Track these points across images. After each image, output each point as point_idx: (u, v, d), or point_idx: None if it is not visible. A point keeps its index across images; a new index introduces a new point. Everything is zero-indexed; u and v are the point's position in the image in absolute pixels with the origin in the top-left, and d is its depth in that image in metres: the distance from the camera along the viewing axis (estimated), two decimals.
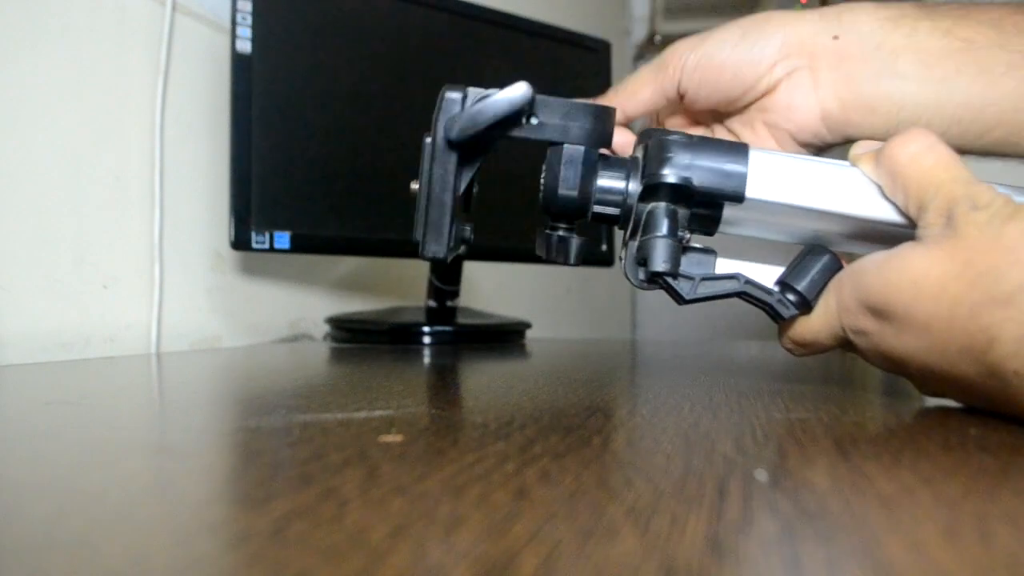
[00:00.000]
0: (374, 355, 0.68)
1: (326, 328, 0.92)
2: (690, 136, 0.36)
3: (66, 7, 0.68)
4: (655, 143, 0.36)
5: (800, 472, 0.24)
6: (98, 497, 0.21)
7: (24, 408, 0.40)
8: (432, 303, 0.91)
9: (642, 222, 0.36)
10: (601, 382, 0.47)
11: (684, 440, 0.29)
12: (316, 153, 0.80)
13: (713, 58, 0.44)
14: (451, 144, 0.37)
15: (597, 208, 0.38)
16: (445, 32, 0.89)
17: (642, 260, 0.36)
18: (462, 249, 0.41)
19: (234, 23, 0.74)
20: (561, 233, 0.39)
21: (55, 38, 0.67)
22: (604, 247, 1.03)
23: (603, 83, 1.03)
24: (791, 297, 0.36)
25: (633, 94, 0.46)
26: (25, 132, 0.65)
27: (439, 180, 0.38)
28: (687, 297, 0.37)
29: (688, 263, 0.37)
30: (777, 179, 0.36)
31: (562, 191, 0.37)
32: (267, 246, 0.76)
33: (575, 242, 0.39)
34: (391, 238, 0.85)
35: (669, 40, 2.99)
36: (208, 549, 0.17)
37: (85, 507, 0.20)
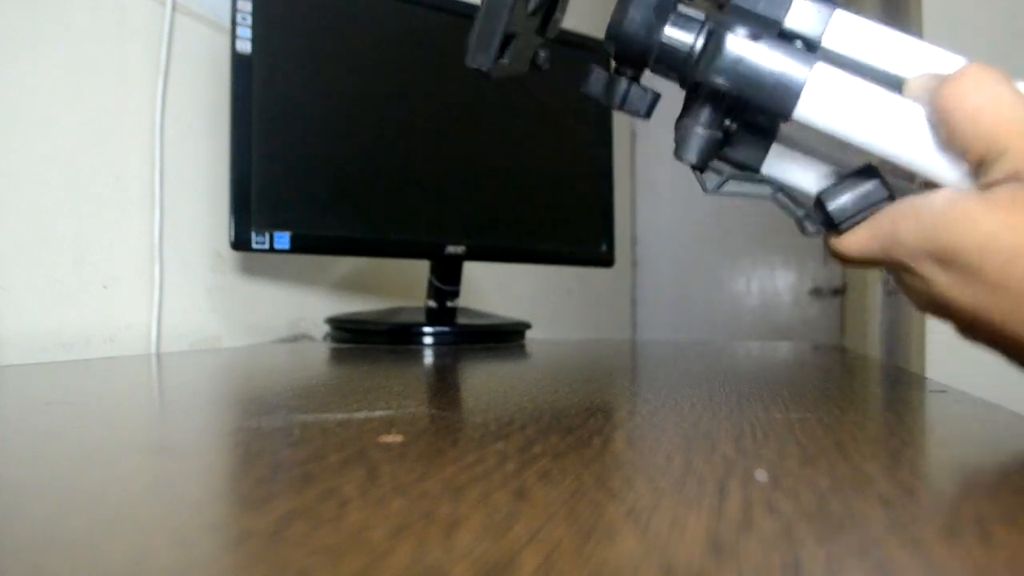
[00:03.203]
0: (374, 355, 0.68)
1: (326, 328, 0.92)
2: (757, 31, 0.32)
3: (66, 7, 0.68)
4: (714, 34, 0.32)
5: (800, 472, 0.24)
6: (98, 497, 0.21)
7: (24, 408, 0.40)
8: (432, 303, 0.91)
9: (688, 103, 0.34)
10: (601, 382, 0.47)
11: (684, 440, 0.29)
12: (316, 153, 0.80)
13: None
14: None
15: (657, 62, 0.34)
16: (445, 32, 0.89)
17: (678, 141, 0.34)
18: (526, 69, 0.38)
19: (234, 23, 0.74)
20: (626, 77, 0.36)
21: (55, 38, 0.67)
22: (604, 247, 1.03)
23: None
24: (820, 216, 0.34)
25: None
26: (25, 132, 0.65)
27: None
28: (710, 190, 0.35)
29: (736, 151, 0.35)
30: (834, 104, 0.32)
31: (626, 27, 0.33)
32: (267, 246, 0.76)
33: (635, 92, 0.35)
34: (391, 238, 0.85)
35: None
36: (208, 549, 0.17)
37: (85, 507, 0.20)
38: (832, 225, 0.34)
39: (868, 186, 0.33)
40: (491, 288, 1.37)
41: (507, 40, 0.36)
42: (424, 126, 0.88)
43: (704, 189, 0.36)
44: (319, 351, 0.76)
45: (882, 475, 0.24)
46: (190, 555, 0.16)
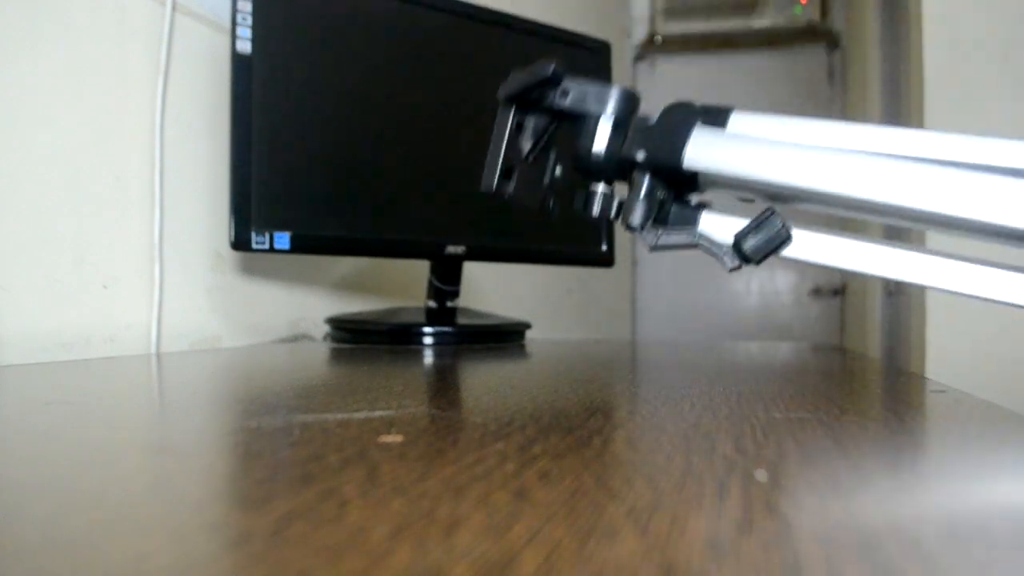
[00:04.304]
0: (374, 355, 0.68)
1: (326, 328, 0.92)
2: (653, 118, 0.42)
3: (66, 7, 0.68)
4: (634, 123, 0.43)
5: (800, 472, 0.24)
6: (98, 497, 0.21)
7: (24, 408, 0.40)
8: (432, 303, 0.91)
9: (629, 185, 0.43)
10: (601, 382, 0.47)
11: (684, 440, 0.29)
12: (316, 153, 0.80)
13: None
14: (501, 100, 0.45)
15: (616, 172, 0.43)
16: (445, 32, 0.89)
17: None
18: (536, 206, 0.48)
19: (234, 23, 0.74)
20: (601, 190, 0.44)
21: (55, 38, 0.67)
22: (604, 247, 1.03)
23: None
24: (738, 254, 0.41)
25: None
26: (25, 132, 0.65)
27: (496, 129, 0.45)
28: (651, 246, 0.43)
29: (674, 217, 0.43)
30: (717, 155, 0.40)
31: (587, 152, 0.43)
32: (267, 246, 0.76)
33: (602, 196, 0.45)
34: (391, 238, 0.85)
35: (669, 41, 2.98)
36: (208, 549, 0.17)
37: (85, 507, 0.20)
38: (748, 260, 0.40)
39: (775, 227, 0.40)
40: (491, 288, 1.37)
41: (510, 170, 0.46)
42: (424, 126, 0.88)
43: (648, 245, 0.43)
44: (319, 351, 0.76)
45: (882, 475, 0.24)
46: (190, 555, 0.16)
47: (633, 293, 2.89)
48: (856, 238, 0.39)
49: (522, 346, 0.88)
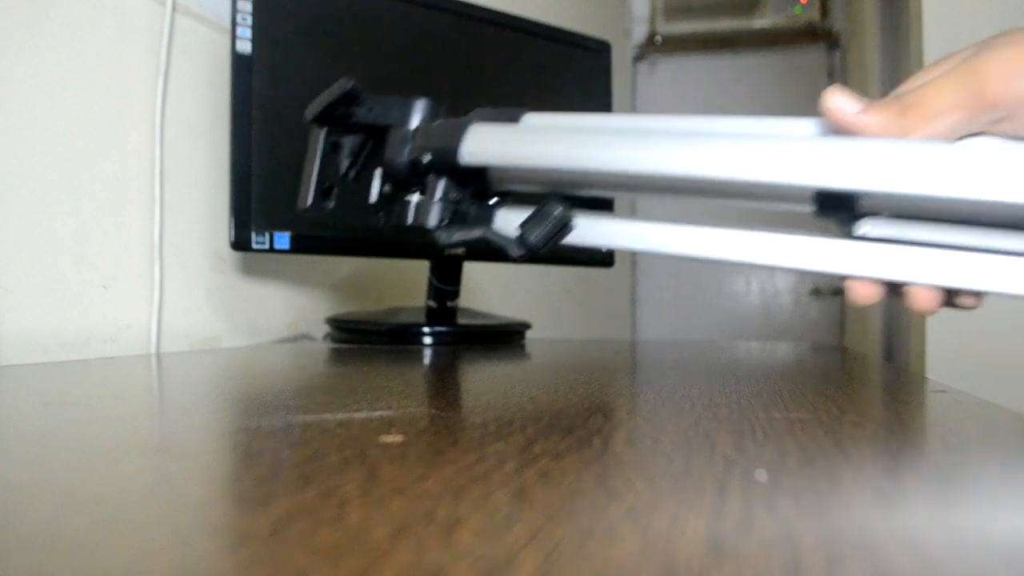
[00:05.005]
0: (374, 355, 0.68)
1: (326, 328, 0.92)
2: (433, 123, 0.44)
3: (66, 7, 0.68)
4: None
5: (800, 472, 0.24)
6: (98, 497, 0.21)
7: (24, 408, 0.40)
8: (432, 303, 0.91)
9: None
10: (601, 382, 0.47)
11: (684, 440, 0.29)
12: None
13: None
14: (307, 121, 0.48)
15: (418, 179, 0.45)
16: (445, 32, 0.89)
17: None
18: (361, 214, 0.49)
19: (234, 23, 0.74)
20: (415, 200, 0.45)
21: (55, 38, 0.67)
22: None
23: (603, 83, 1.03)
24: (521, 244, 0.42)
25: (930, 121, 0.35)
26: (25, 132, 0.65)
27: (309, 149, 0.48)
28: (443, 243, 0.44)
29: (473, 216, 0.44)
30: (489, 146, 0.42)
31: (392, 163, 0.45)
32: (267, 246, 0.76)
33: (415, 205, 0.45)
34: (391, 238, 0.85)
35: (669, 40, 2.96)
36: (208, 549, 0.17)
37: (85, 507, 0.20)
38: (531, 248, 0.41)
39: (551, 214, 0.41)
40: (491, 288, 1.37)
41: (329, 188, 0.49)
42: None
43: (441, 244, 0.44)
44: (319, 351, 0.76)
45: (882, 475, 0.24)
46: (190, 555, 0.16)
47: (633, 293, 2.89)
48: (642, 219, 0.41)
49: (522, 346, 0.88)
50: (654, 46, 2.89)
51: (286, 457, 0.26)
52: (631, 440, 0.30)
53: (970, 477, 0.25)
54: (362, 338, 0.86)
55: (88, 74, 0.70)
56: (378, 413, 0.34)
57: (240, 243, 0.75)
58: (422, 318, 0.88)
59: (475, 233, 0.44)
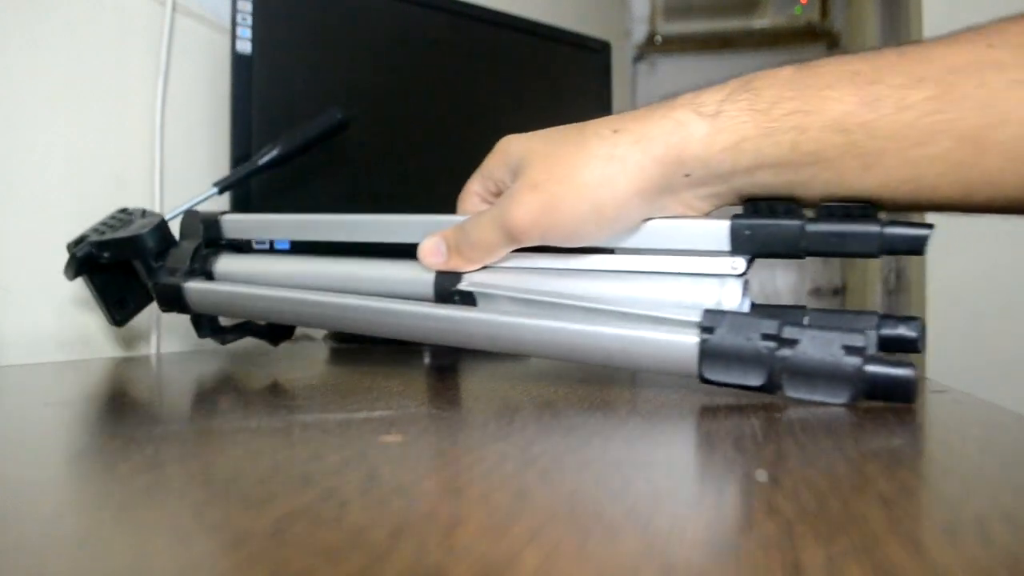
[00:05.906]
0: (374, 355, 0.68)
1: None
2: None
3: (66, 7, 0.68)
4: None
5: (800, 472, 0.24)
6: (98, 497, 0.21)
7: (24, 408, 0.40)
8: None
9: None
10: (601, 382, 0.47)
11: (684, 440, 0.29)
12: (316, 153, 0.80)
13: (568, 230, 0.41)
14: (71, 277, 0.60)
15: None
16: (445, 32, 0.89)
17: None
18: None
19: (234, 23, 0.74)
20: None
21: (55, 38, 0.67)
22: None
23: (603, 83, 1.03)
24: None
25: (479, 260, 0.45)
26: (25, 132, 0.65)
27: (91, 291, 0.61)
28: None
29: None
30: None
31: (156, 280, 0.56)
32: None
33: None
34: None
35: (669, 41, 2.95)
36: (208, 549, 0.17)
37: (85, 507, 0.20)
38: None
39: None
40: None
41: (121, 301, 0.61)
42: (424, 126, 0.88)
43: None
44: (319, 351, 0.76)
45: (882, 475, 0.24)
46: (190, 555, 0.16)
47: None
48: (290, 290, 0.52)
49: None
50: (654, 46, 2.89)
51: (286, 457, 0.26)
52: (631, 440, 0.30)
53: (970, 477, 0.25)
54: (362, 338, 0.85)
55: (88, 74, 0.70)
56: (378, 413, 0.34)
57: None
58: None
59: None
